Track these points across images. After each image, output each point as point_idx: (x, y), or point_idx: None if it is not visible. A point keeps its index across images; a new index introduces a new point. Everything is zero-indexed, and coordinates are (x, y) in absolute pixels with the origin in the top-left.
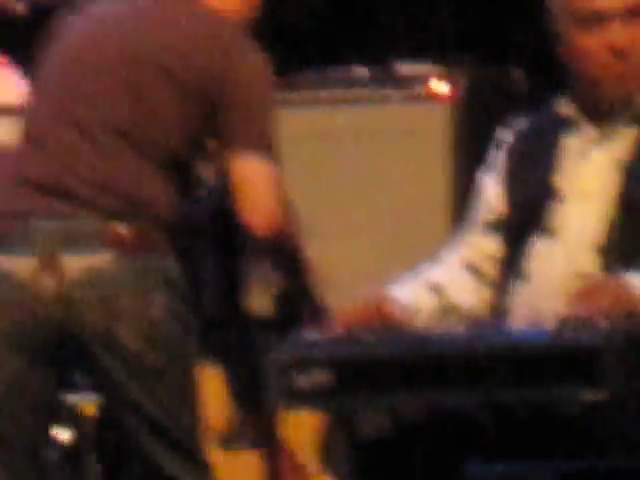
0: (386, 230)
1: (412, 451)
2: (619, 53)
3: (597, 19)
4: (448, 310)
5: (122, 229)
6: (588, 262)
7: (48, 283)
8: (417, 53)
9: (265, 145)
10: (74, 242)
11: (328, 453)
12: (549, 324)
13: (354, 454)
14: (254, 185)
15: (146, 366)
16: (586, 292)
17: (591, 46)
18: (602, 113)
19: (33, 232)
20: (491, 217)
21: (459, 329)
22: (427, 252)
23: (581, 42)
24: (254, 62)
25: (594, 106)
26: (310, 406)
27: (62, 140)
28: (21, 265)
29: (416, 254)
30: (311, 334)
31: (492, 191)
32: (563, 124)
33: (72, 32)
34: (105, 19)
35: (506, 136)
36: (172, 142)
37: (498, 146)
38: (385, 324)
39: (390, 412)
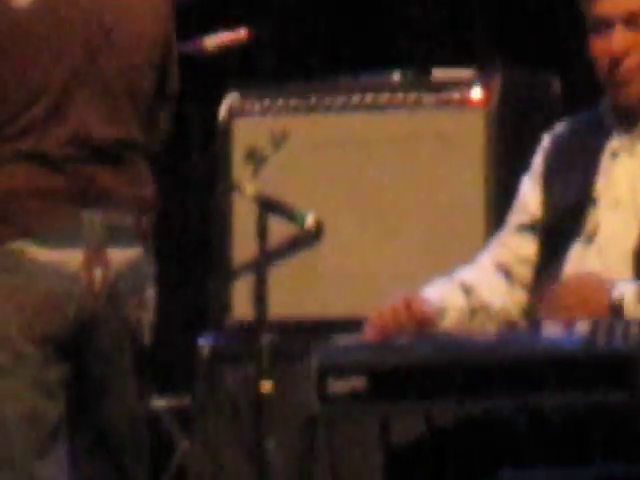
0: (421, 234)
1: (447, 457)
2: (615, 60)
3: (602, 24)
4: (478, 310)
5: (145, 223)
6: (621, 267)
7: (97, 276)
8: (451, 57)
9: None
10: (117, 235)
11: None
12: (582, 328)
13: (389, 460)
14: None
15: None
16: (556, 296)
17: (598, 52)
18: (627, 118)
19: (83, 225)
20: (526, 219)
21: (492, 334)
22: (460, 256)
23: (593, 47)
24: None
25: (617, 111)
26: (345, 412)
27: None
28: (71, 258)
29: (450, 258)
30: (347, 340)
31: (529, 194)
32: (599, 129)
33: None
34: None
35: (545, 140)
36: (154, 135)
37: (538, 149)
38: (415, 323)
39: (425, 418)
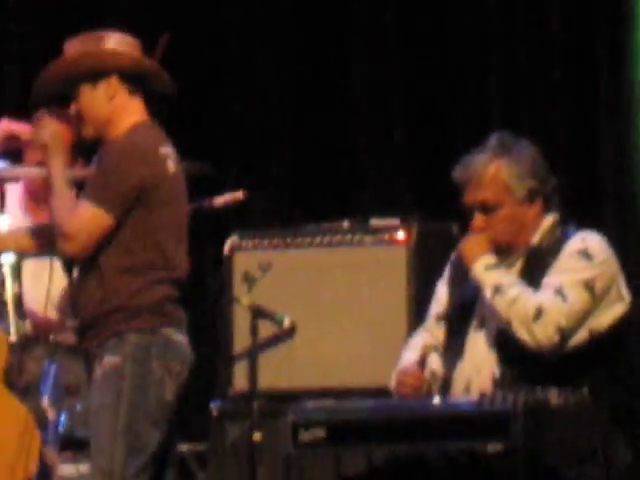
0: (363, 330)
1: None
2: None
3: (469, 210)
4: (433, 375)
5: None
6: (502, 347)
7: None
8: (384, 210)
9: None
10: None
11: None
12: (474, 396)
13: None
14: None
15: None
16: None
17: (471, 230)
18: (503, 251)
19: (183, 318)
20: (440, 310)
21: (413, 399)
22: (391, 343)
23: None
24: None
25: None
26: (311, 454)
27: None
28: (185, 340)
29: (382, 345)
30: (313, 403)
31: (441, 292)
32: None
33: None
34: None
35: (452, 256)
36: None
37: (449, 262)
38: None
39: (366, 459)
